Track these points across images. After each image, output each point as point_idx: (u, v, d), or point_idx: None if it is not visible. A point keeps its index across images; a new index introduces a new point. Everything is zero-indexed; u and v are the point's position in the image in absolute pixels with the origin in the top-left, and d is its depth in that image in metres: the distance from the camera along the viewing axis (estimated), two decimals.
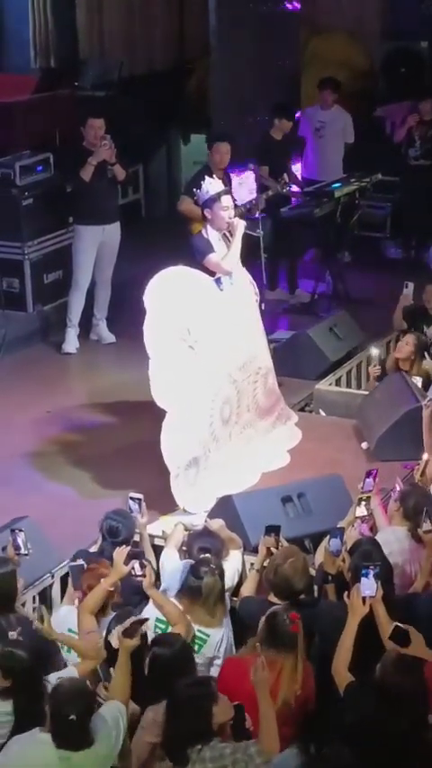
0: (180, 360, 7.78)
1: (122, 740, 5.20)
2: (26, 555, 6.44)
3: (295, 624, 5.58)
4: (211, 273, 8.14)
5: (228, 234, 8.25)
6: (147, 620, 5.66)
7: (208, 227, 8.22)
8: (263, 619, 5.66)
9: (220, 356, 8.02)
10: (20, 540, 6.41)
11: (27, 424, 9.32)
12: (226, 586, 6.57)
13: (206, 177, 8.50)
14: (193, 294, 7.96)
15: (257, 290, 8.67)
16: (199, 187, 8.33)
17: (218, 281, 8.15)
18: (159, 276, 7.86)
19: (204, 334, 7.88)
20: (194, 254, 8.17)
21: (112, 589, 6.05)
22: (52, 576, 6.95)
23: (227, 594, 6.51)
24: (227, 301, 8.17)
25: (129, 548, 6.28)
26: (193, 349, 7.84)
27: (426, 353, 9.06)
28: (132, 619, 5.60)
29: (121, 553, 6.17)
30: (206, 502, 7.71)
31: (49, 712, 5.05)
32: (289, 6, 13.95)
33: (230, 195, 8.37)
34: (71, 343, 10.85)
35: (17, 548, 6.40)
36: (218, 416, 8.07)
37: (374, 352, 9.48)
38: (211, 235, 8.19)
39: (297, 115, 12.71)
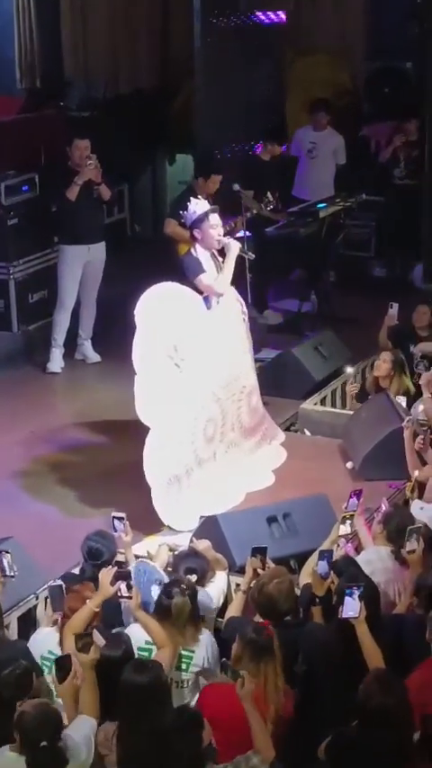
0: (165, 377, 7.79)
1: (93, 756, 5.19)
2: (12, 577, 6.42)
3: (268, 629, 5.59)
4: (200, 292, 8.16)
5: (216, 253, 8.26)
6: (92, 634, 5.62)
7: (197, 246, 8.23)
8: (237, 639, 5.66)
9: (204, 374, 8.03)
10: (5, 563, 6.38)
11: (11, 443, 9.28)
12: (212, 607, 6.57)
13: (191, 199, 8.51)
14: (182, 311, 7.98)
15: (245, 308, 8.68)
16: (185, 209, 8.35)
17: (206, 299, 8.17)
18: (150, 292, 7.88)
19: (190, 353, 7.89)
20: (185, 274, 8.18)
21: (97, 610, 6.03)
22: (36, 597, 6.91)
23: (213, 615, 6.51)
24: (214, 320, 8.19)
25: (115, 568, 6.25)
26: (179, 367, 7.85)
27: (405, 371, 9.12)
28: (79, 633, 5.62)
29: (107, 574, 6.15)
30: (190, 521, 7.71)
31: (18, 740, 5.02)
32: (274, 18, 13.96)
33: (218, 214, 8.38)
34: (56, 362, 10.85)
35: (2, 570, 6.37)
36: (201, 435, 8.07)
37: (349, 370, 9.63)
38: (201, 254, 8.21)
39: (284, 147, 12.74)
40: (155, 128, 14.67)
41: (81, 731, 5.22)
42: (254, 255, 8.74)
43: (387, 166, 13.28)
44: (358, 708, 5.09)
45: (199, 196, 9.10)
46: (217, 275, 8.22)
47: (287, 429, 9.39)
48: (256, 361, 9.32)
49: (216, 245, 8.25)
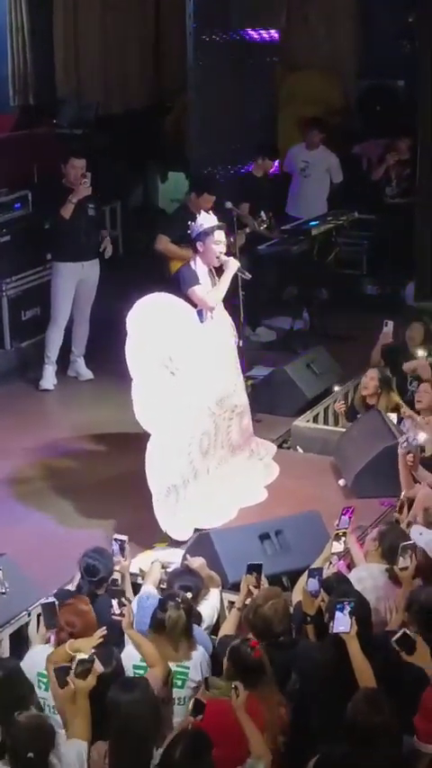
0: (162, 385, 7.81)
1: None
2: (2, 594, 6.41)
3: (257, 650, 5.58)
4: (194, 305, 8.18)
5: (214, 270, 8.28)
6: (93, 660, 5.57)
7: (197, 259, 8.28)
8: (225, 657, 5.65)
9: (199, 387, 8.05)
10: None
11: (3, 460, 9.27)
12: (204, 625, 6.56)
13: (197, 215, 8.53)
14: (175, 322, 8.01)
15: (235, 330, 8.70)
16: (177, 226, 8.38)
17: (200, 313, 8.19)
18: (144, 300, 7.91)
19: (185, 363, 7.93)
20: (180, 284, 8.22)
21: (86, 656, 5.96)
22: (29, 615, 6.90)
23: (206, 632, 6.50)
24: (207, 334, 8.21)
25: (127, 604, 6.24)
26: (175, 375, 7.87)
27: (392, 387, 9.15)
28: (82, 658, 5.56)
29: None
30: (185, 532, 7.74)
31: (7, 749, 5.03)
32: (266, 36, 14.02)
33: (224, 231, 8.41)
34: (48, 379, 10.85)
35: None
36: (197, 447, 8.09)
37: (337, 388, 9.67)
38: (200, 268, 8.25)
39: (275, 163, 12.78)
40: (147, 146, 14.71)
41: (74, 749, 5.22)
42: (250, 276, 8.77)
43: (379, 185, 13.32)
44: (346, 726, 5.09)
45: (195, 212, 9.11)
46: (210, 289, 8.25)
47: (279, 446, 9.39)
48: (249, 378, 9.36)
49: (215, 262, 8.29)
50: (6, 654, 6.47)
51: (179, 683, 6.00)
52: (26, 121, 13.78)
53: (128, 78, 15.19)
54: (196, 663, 6.05)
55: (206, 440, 8.17)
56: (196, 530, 7.80)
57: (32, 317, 11.46)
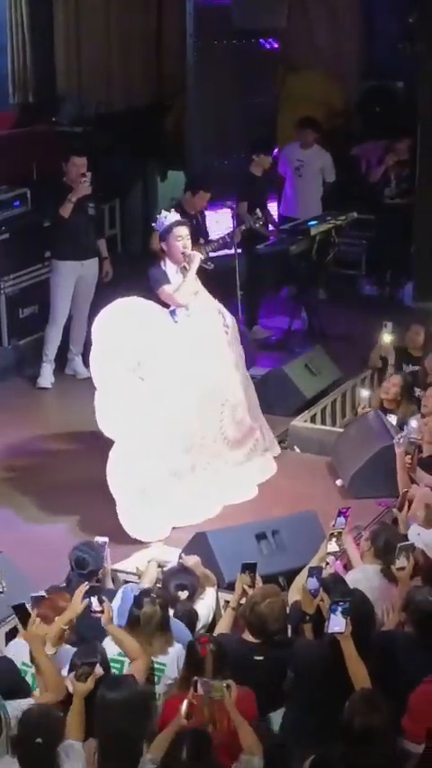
0: (128, 391, 7.84)
1: None
2: (1, 593, 6.41)
3: (204, 648, 5.62)
4: (167, 305, 8.18)
5: (185, 267, 8.27)
6: (95, 664, 5.59)
7: (166, 259, 8.26)
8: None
9: (174, 386, 8.03)
10: None
11: (2, 456, 9.31)
12: (200, 624, 6.57)
13: (191, 213, 8.54)
14: (144, 325, 8.02)
15: (235, 323, 8.67)
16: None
17: (173, 312, 8.20)
18: (108, 309, 7.97)
19: (157, 366, 7.94)
20: (150, 285, 8.22)
21: (65, 627, 6.01)
22: None
23: (201, 632, 6.49)
24: (182, 332, 8.19)
25: (87, 584, 6.25)
26: (144, 380, 7.88)
27: (413, 396, 9.12)
28: (85, 660, 5.58)
29: (80, 591, 6.15)
30: (160, 532, 7.78)
31: (16, 737, 5.05)
32: (267, 45, 14.03)
33: (186, 226, 8.38)
34: (46, 377, 10.85)
35: None
36: (175, 447, 8.06)
37: (364, 393, 9.55)
38: (169, 267, 8.24)
39: (275, 152, 12.76)
40: (147, 144, 14.69)
41: (78, 748, 5.23)
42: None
43: (378, 186, 13.32)
44: (343, 727, 5.09)
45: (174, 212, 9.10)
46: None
47: None
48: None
49: (181, 258, 8.26)
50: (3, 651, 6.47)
51: (156, 678, 5.99)
52: (26, 119, 13.76)
53: (129, 76, 15.15)
54: (173, 659, 6.03)
55: (188, 438, 8.14)
56: (174, 528, 7.84)
57: (30, 314, 11.47)
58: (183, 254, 8.24)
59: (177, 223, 8.32)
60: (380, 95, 14.83)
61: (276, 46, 14.19)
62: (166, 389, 7.99)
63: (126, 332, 7.89)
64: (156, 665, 6.01)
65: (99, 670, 5.55)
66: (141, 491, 7.84)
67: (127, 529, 7.61)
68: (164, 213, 8.43)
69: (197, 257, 8.31)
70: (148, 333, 8.01)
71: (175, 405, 8.07)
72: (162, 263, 8.31)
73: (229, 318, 8.62)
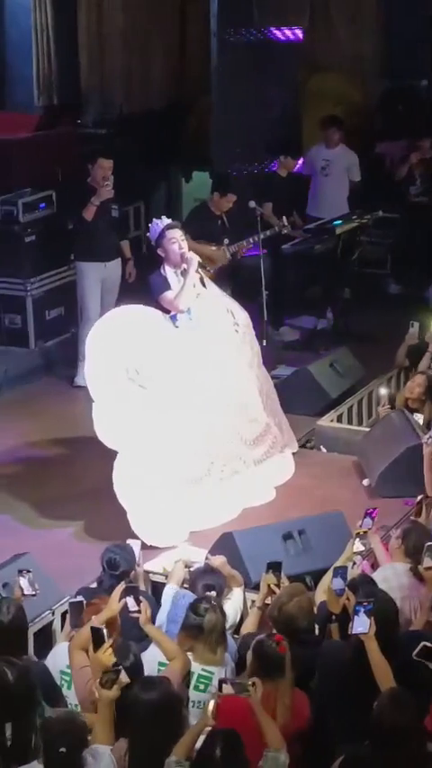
0: (128, 399, 7.80)
1: None
2: (33, 596, 6.44)
3: (281, 646, 5.58)
4: (168, 310, 8.15)
5: (185, 271, 8.20)
6: (120, 671, 5.53)
7: (165, 265, 8.23)
8: (250, 650, 5.66)
9: (179, 392, 7.98)
10: (26, 582, 6.39)
11: (30, 456, 9.36)
12: (228, 624, 6.57)
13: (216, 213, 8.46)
14: (140, 333, 7.97)
15: (248, 321, 8.60)
16: (197, 224, 8.34)
17: (173, 317, 8.15)
18: (101, 320, 8.01)
19: (158, 371, 7.89)
20: (151, 292, 8.20)
21: (102, 627, 6.02)
22: (53, 613, 6.94)
23: (229, 632, 6.51)
24: (184, 337, 8.14)
25: (124, 584, 6.27)
26: (146, 388, 7.84)
27: None
28: (108, 669, 5.54)
29: (117, 591, 6.17)
30: (176, 536, 7.75)
31: (41, 744, 5.05)
32: (290, 35, 13.99)
33: (178, 228, 8.32)
34: (83, 375, 10.85)
35: (24, 589, 6.38)
36: (187, 451, 8.01)
37: (383, 391, 9.53)
38: (168, 272, 8.21)
39: (300, 161, 12.78)
40: (171, 145, 14.72)
41: (107, 754, 5.24)
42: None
43: (403, 184, 13.30)
44: (371, 727, 5.09)
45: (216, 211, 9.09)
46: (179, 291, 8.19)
47: (302, 446, 9.40)
48: (274, 378, 9.31)
49: (179, 260, 8.18)
50: (31, 652, 6.49)
51: (201, 686, 5.99)
52: (50, 121, 13.81)
53: (152, 78, 15.19)
54: (225, 667, 6.05)
55: (199, 441, 8.08)
56: (192, 532, 7.84)
57: (57, 316, 11.52)
58: (181, 255, 8.18)
59: (169, 226, 8.24)
60: (402, 94, 14.83)
61: (300, 36, 14.12)
62: (170, 395, 7.94)
63: (121, 342, 7.85)
64: (203, 673, 6.02)
65: (125, 678, 5.53)
66: (151, 498, 7.81)
67: (140, 535, 7.59)
68: (155, 220, 8.38)
69: (195, 260, 8.21)
70: (146, 340, 7.95)
71: (182, 410, 8.01)
72: (162, 269, 8.27)
73: (241, 316, 8.50)
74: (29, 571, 6.47)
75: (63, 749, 4.94)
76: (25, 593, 6.38)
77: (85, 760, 5.06)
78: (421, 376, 9.22)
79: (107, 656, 5.59)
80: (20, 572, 6.47)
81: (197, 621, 6.02)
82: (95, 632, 5.73)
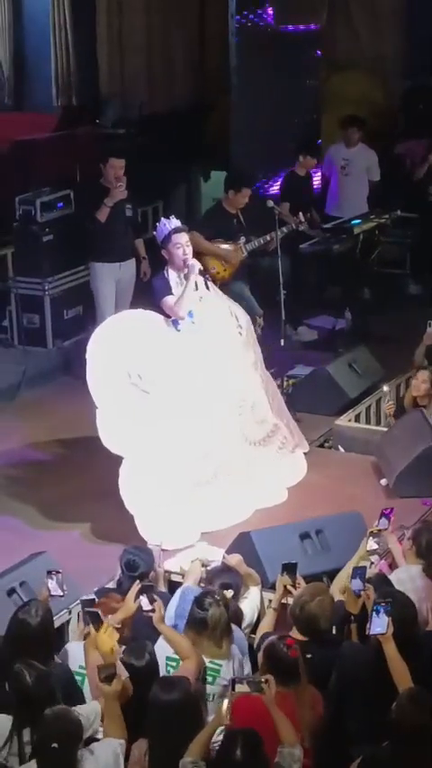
0: (132, 405, 7.76)
1: None
2: (61, 596, 6.44)
3: (293, 650, 5.56)
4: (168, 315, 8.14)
5: (187, 276, 8.17)
6: (116, 664, 5.57)
7: (168, 268, 8.23)
8: (261, 653, 5.64)
9: (183, 396, 7.94)
10: (55, 583, 6.39)
11: (46, 456, 9.37)
12: (245, 623, 6.58)
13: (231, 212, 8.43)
14: (143, 337, 7.94)
15: (250, 323, 8.56)
16: (213, 222, 8.31)
17: (175, 321, 8.12)
18: (101, 327, 7.95)
19: (161, 376, 7.85)
20: (154, 296, 8.18)
21: (118, 626, 6.02)
22: (69, 613, 6.93)
23: (246, 631, 6.49)
24: (186, 341, 8.11)
25: (140, 583, 6.26)
26: (149, 393, 7.80)
27: None
28: (102, 664, 5.57)
29: (133, 591, 6.17)
30: (187, 538, 7.71)
31: (34, 741, 5.07)
32: (313, 26, 13.92)
33: (185, 233, 8.28)
34: None
35: (52, 590, 6.37)
36: (193, 455, 7.96)
37: (386, 389, 9.54)
38: (171, 276, 8.20)
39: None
40: (190, 145, 14.71)
41: (110, 747, 5.22)
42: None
43: (422, 183, 13.27)
44: (391, 727, 5.07)
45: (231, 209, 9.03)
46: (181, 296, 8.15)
47: (320, 446, 9.39)
48: (292, 377, 9.28)
49: (182, 265, 8.17)
50: None
51: (210, 679, 6.00)
52: (69, 121, 13.85)
53: (171, 77, 15.20)
54: (232, 660, 6.05)
55: (206, 444, 8.03)
56: (203, 534, 7.80)
57: (75, 315, 11.52)
58: (184, 260, 8.16)
59: (176, 230, 8.20)
60: (423, 93, 14.78)
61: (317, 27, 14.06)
62: (174, 400, 7.89)
63: (123, 347, 7.83)
64: (211, 666, 6.02)
65: (123, 672, 5.52)
66: (157, 502, 7.78)
67: (148, 539, 7.56)
68: (163, 220, 8.36)
69: (196, 266, 8.20)
70: (148, 344, 7.93)
71: (186, 414, 7.95)
72: (165, 272, 8.26)
73: (243, 319, 8.50)
74: (58, 572, 6.46)
75: (55, 744, 4.93)
76: (53, 593, 6.37)
77: (82, 756, 5.04)
78: (425, 372, 9.23)
79: (109, 635, 5.63)
80: (49, 573, 6.45)
81: (201, 616, 6.03)
82: (92, 615, 5.79)
